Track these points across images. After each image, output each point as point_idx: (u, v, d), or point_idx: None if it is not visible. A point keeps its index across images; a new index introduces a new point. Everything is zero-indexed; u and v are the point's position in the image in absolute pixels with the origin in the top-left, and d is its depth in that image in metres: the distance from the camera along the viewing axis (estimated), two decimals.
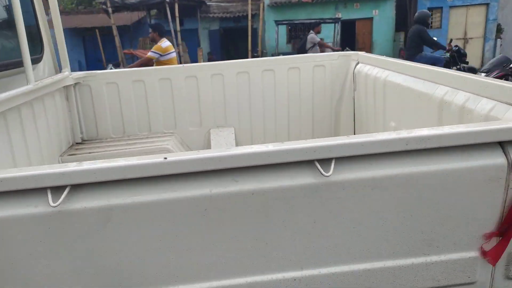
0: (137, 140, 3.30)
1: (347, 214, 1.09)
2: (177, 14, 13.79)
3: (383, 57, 2.72)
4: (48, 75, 2.91)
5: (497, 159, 1.09)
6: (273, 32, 14.15)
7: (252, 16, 16.35)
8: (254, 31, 16.31)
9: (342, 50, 10.08)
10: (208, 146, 3.41)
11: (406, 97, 2.31)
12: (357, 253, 1.13)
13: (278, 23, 13.59)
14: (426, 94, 2.06)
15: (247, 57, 14.55)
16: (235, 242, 1.07)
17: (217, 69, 3.26)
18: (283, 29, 15.81)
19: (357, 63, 3.14)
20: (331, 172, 1.02)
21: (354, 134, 3.36)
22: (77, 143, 3.27)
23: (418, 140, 1.05)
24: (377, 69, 2.75)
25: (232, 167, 1.01)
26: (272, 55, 15.61)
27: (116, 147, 3.19)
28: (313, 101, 3.44)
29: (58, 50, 3.01)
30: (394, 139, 1.05)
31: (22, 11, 2.57)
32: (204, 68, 3.27)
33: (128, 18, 15.35)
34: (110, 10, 13.68)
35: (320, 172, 1.02)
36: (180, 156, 0.98)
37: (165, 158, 0.97)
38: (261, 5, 15.55)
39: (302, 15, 15.23)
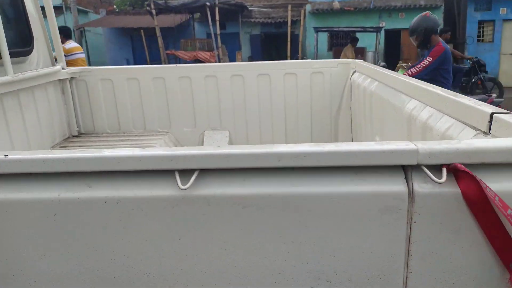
0: (131, 137, 3.31)
1: (215, 233, 0.96)
2: (217, 17, 13.97)
3: (374, 67, 2.53)
4: (43, 68, 2.98)
5: (395, 186, 0.92)
6: (314, 39, 13.96)
7: (294, 22, 16.24)
8: (296, 37, 16.18)
9: (474, 59, 9.23)
10: None
11: (386, 110, 2.12)
12: (232, 278, 1.00)
13: (317, 30, 13.37)
14: (399, 108, 1.87)
15: None
16: (89, 253, 0.98)
17: (210, 71, 3.20)
18: (323, 36, 15.55)
19: (354, 72, 2.95)
20: (188, 184, 0.90)
21: None
22: (73, 136, 3.32)
23: (292, 156, 0.91)
24: (369, 79, 2.56)
25: (84, 171, 0.93)
26: None
27: (107, 143, 3.21)
28: (312, 108, 3.28)
29: (54, 45, 3.07)
30: (264, 154, 0.91)
31: (11, 6, 2.65)
32: (198, 69, 3.22)
33: (172, 20, 15.76)
34: (154, 12, 14.11)
35: (177, 184, 0.91)
36: (24, 155, 0.91)
37: (6, 155, 0.90)
38: (303, 11, 15.39)
39: (344, 23, 14.89)
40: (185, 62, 15.17)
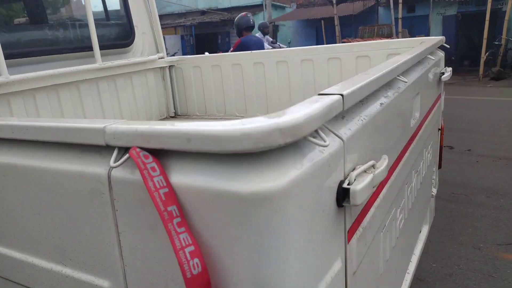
0: (212, 119, 3.59)
1: (5, 197, 1.06)
2: (400, 0, 12.96)
3: None
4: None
5: (98, 168, 0.82)
6: None
7: None
8: (502, 15, 13.49)
9: None
10: None
11: None
12: (25, 240, 1.07)
13: None
14: None
15: (482, 47, 12.20)
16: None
17: (281, 57, 3.14)
18: None
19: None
20: None
21: None
22: (170, 117, 3.83)
23: (20, 129, 0.92)
24: None
25: None
26: None
27: None
28: None
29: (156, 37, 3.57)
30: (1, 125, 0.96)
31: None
32: (270, 55, 3.20)
33: (350, 8, 15.44)
34: (334, 1, 14.13)
35: None
36: None
37: None
38: None
39: None
40: None
